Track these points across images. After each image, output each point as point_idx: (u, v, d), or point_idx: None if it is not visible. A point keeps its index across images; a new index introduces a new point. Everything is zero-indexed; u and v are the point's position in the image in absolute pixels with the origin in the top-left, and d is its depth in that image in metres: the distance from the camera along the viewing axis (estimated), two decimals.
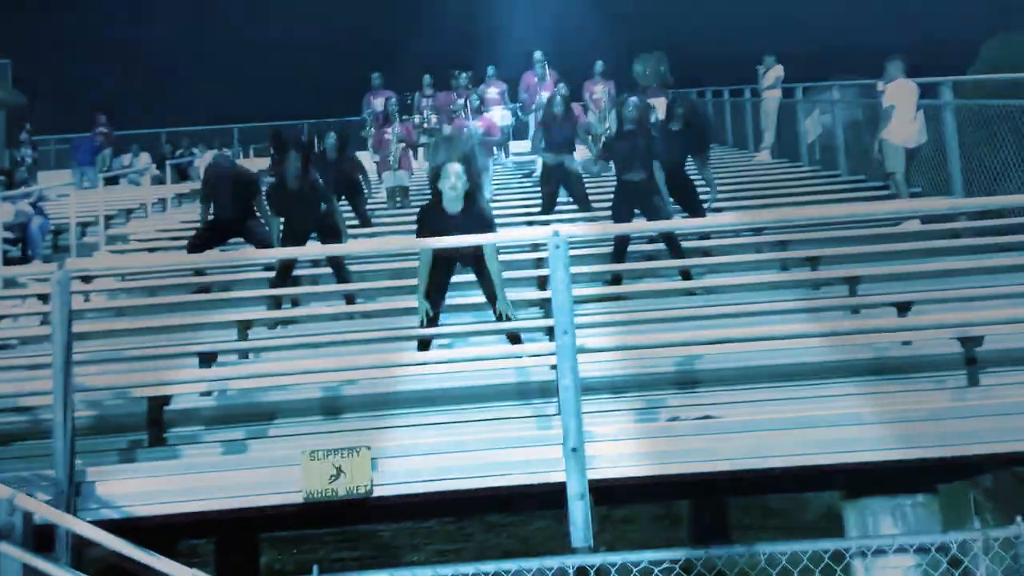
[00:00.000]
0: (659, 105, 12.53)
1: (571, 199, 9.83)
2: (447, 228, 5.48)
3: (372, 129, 12.48)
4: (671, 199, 8.16)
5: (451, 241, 5.29)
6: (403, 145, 11.89)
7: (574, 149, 9.81)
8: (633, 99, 7.92)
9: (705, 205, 8.52)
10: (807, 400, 4.77)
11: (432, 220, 5.66)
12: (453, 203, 5.61)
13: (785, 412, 4.50)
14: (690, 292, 7.08)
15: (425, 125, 13.60)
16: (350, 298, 7.59)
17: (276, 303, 7.48)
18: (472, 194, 5.64)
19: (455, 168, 5.56)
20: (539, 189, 10.89)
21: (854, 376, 5.08)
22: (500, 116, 13.49)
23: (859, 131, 11.59)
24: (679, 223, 8.32)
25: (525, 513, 8.49)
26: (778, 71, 13.75)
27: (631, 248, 8.01)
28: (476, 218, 5.59)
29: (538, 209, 10.07)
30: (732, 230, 8.53)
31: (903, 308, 5.65)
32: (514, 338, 5.70)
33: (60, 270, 4.11)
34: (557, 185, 9.75)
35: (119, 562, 3.59)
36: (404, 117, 12.61)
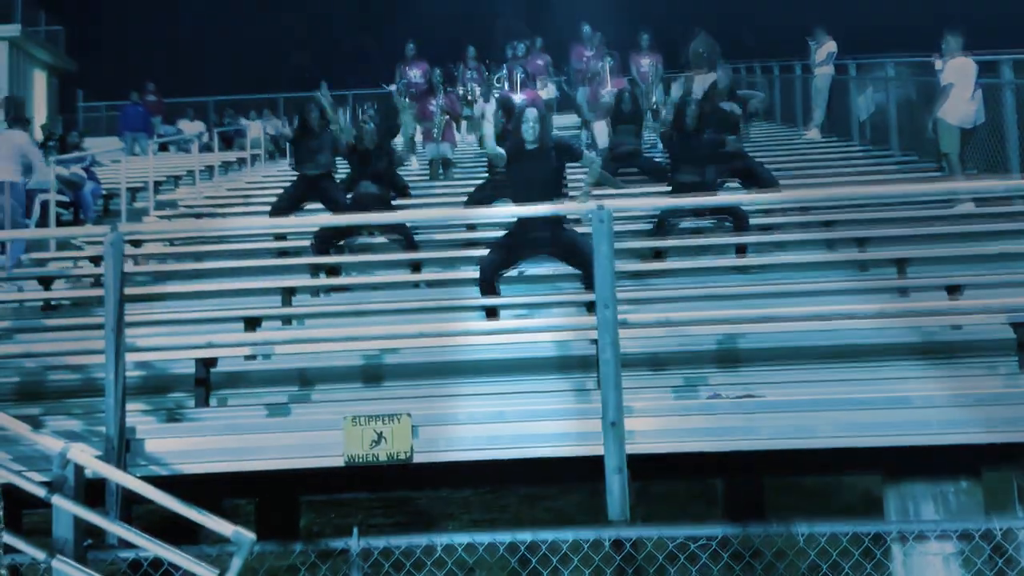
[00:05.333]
0: (706, 82, 12.42)
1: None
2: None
3: (407, 99, 12.46)
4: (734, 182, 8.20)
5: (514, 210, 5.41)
6: (447, 117, 11.87)
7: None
8: (694, 101, 8.02)
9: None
10: (851, 381, 4.70)
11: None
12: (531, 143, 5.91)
13: (829, 393, 4.44)
14: (743, 269, 7.01)
15: (469, 97, 13.55)
16: (416, 266, 7.58)
17: (326, 270, 7.55)
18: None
19: (532, 112, 5.95)
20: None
21: (901, 358, 4.99)
22: (544, 88, 13.39)
23: (913, 109, 11.28)
24: (723, 197, 8.21)
25: (560, 486, 8.52)
26: (830, 46, 13.40)
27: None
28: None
29: (580, 181, 10.07)
30: (779, 208, 8.39)
31: (953, 291, 5.53)
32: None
33: (113, 232, 4.20)
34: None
35: (166, 517, 3.69)
36: (448, 88, 12.58)
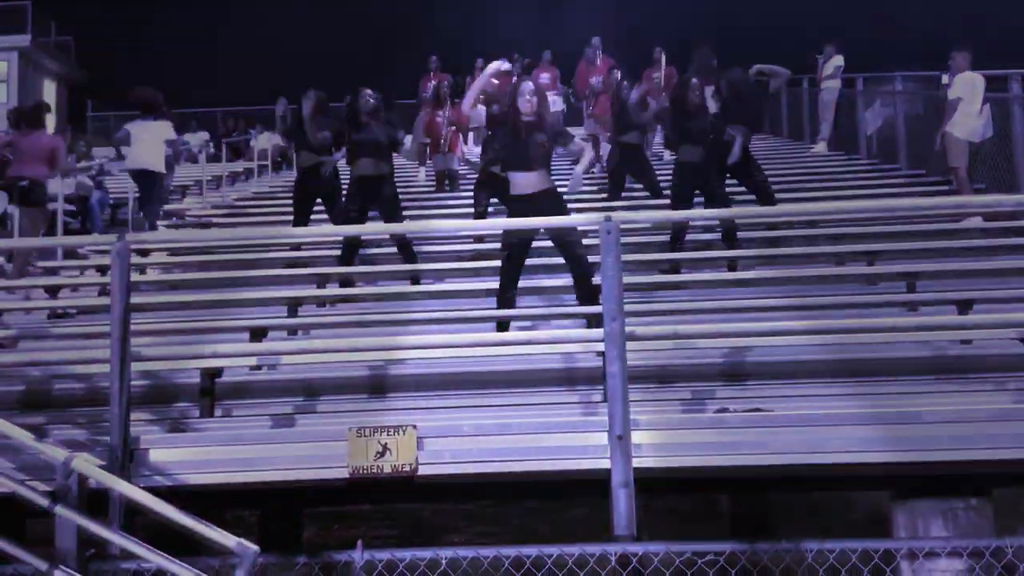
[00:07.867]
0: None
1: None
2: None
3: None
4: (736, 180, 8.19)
5: (524, 223, 5.33)
6: (454, 128, 11.88)
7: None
8: (695, 80, 7.96)
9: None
10: (861, 397, 4.67)
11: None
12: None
13: (838, 408, 4.41)
14: (751, 283, 7.00)
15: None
16: (415, 278, 7.55)
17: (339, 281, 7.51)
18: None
19: (528, 86, 5.73)
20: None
21: (911, 374, 4.95)
22: (551, 101, 13.40)
23: (921, 124, 11.27)
24: (733, 212, 8.18)
25: (563, 500, 8.46)
26: (838, 60, 13.41)
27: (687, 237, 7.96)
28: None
29: (584, 194, 10.10)
30: (786, 222, 8.38)
31: (964, 306, 5.49)
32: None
33: (120, 241, 4.19)
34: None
35: (169, 527, 3.66)
36: (455, 100, 12.59)
